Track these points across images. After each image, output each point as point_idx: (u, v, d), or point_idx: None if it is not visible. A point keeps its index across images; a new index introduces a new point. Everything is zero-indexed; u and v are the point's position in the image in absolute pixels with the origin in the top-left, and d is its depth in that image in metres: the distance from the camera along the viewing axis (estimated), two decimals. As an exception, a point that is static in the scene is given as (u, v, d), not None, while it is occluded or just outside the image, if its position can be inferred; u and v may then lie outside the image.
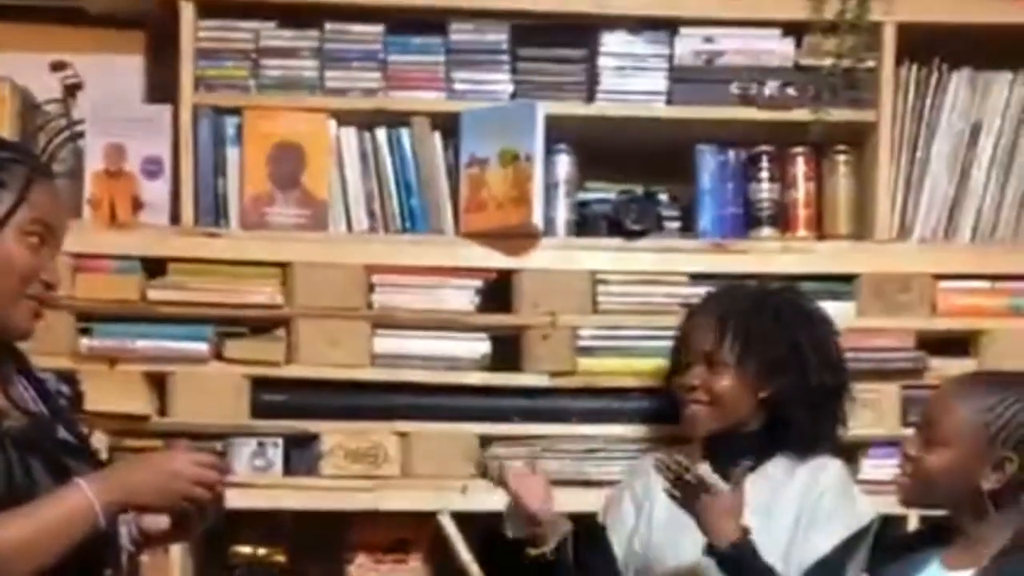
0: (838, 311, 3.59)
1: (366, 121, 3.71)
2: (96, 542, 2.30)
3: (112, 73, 3.80)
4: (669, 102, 3.79)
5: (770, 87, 3.78)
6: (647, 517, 3.34)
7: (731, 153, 3.80)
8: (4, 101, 3.60)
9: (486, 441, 3.59)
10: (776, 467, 3.34)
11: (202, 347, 3.51)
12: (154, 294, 3.52)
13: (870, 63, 3.77)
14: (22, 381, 2.46)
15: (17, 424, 2.32)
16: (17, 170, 2.36)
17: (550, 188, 3.70)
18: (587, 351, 3.63)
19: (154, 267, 3.56)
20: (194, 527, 2.45)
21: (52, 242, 2.40)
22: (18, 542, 2.19)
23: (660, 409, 3.57)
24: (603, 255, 3.68)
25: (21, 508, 2.21)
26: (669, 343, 3.53)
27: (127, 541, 2.47)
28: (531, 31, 3.79)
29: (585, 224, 3.75)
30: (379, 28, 3.74)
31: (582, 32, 3.79)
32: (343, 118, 3.71)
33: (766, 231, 3.77)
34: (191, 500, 2.32)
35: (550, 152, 3.70)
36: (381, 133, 3.71)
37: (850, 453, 3.56)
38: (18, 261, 2.33)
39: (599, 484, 3.55)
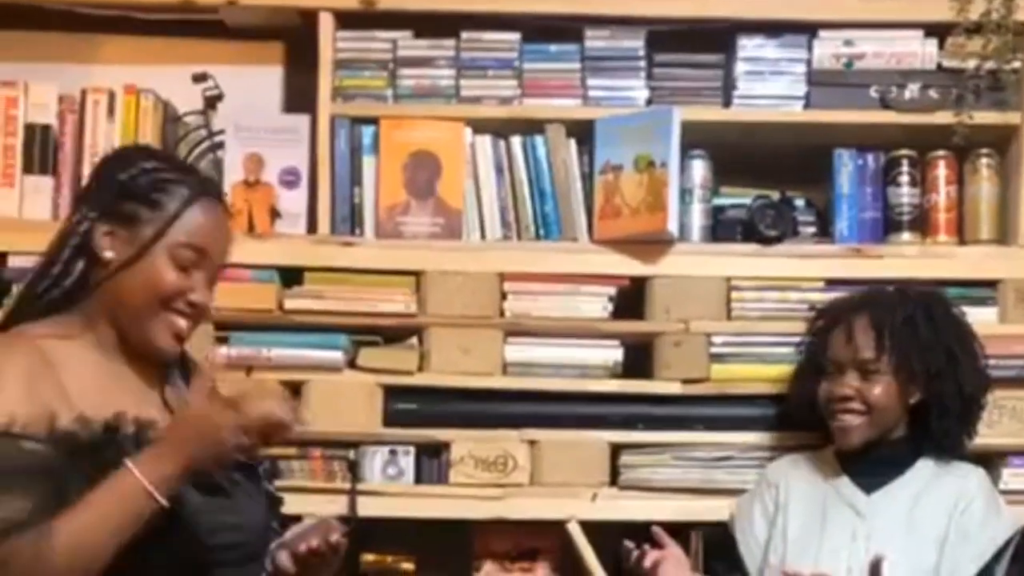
0: (980, 317, 3.64)
1: (501, 129, 3.82)
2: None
3: (252, 84, 3.96)
4: (807, 106, 3.85)
5: (911, 90, 3.81)
6: (781, 529, 3.39)
7: (870, 157, 3.84)
8: (147, 113, 3.77)
9: (617, 448, 3.66)
10: (919, 474, 3.38)
11: (337, 356, 3.63)
12: (290, 303, 3.65)
13: (1015, 64, 3.79)
14: (187, 391, 2.57)
15: (160, 433, 2.37)
16: (177, 191, 2.46)
17: (685, 194, 3.78)
18: (720, 357, 3.69)
19: (291, 276, 3.70)
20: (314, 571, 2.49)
21: (205, 265, 2.47)
22: (70, 540, 2.22)
23: (793, 416, 3.60)
24: (738, 261, 3.74)
25: (74, 508, 2.24)
26: (800, 346, 3.59)
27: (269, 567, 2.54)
28: (667, 37, 3.87)
29: (720, 229, 3.81)
30: (515, 36, 3.86)
31: (719, 37, 3.87)
32: (478, 126, 3.82)
33: (906, 236, 3.81)
34: (243, 448, 2.31)
35: (685, 157, 3.77)
36: (516, 141, 3.81)
37: (990, 462, 3.58)
38: (162, 280, 2.43)
39: (731, 492, 3.60)
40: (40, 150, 3.74)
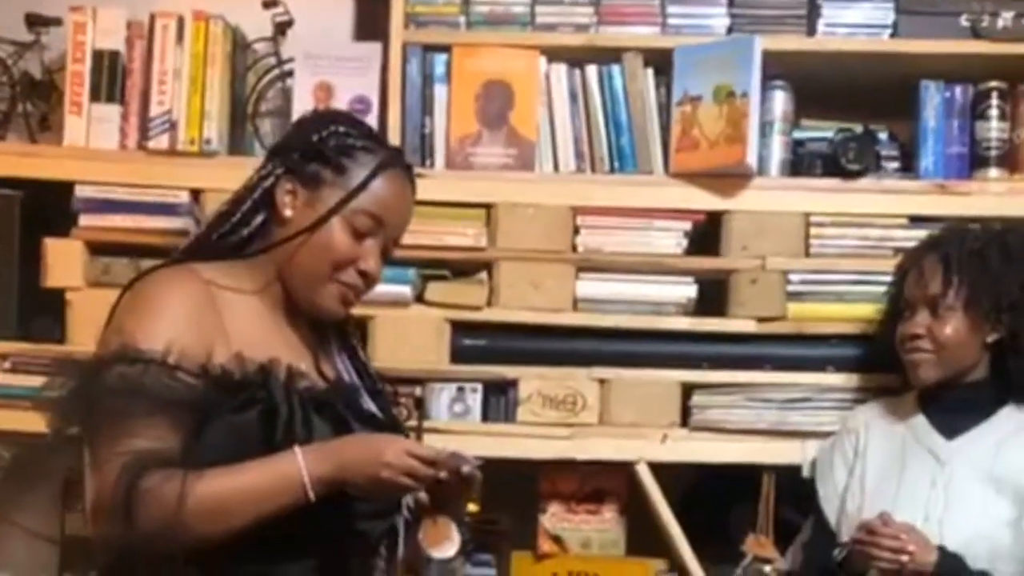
0: (1068, 256, 3.54)
1: (577, 58, 3.76)
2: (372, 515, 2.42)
3: (322, 11, 3.94)
4: (894, 35, 3.76)
5: (1004, 19, 3.72)
6: (859, 477, 3.35)
7: (958, 89, 3.75)
8: (216, 40, 3.76)
9: (688, 388, 3.63)
10: (1003, 421, 3.30)
11: (404, 290, 3.61)
12: (356, 236, 3.64)
13: (1113, -8, 3.68)
14: (343, 358, 2.60)
15: (310, 384, 2.42)
16: (365, 159, 2.48)
17: (765, 126, 3.71)
18: (797, 296, 3.64)
19: (359, 208, 3.68)
20: (448, 503, 2.49)
21: (381, 234, 2.50)
22: (212, 499, 2.25)
23: (873, 357, 3.55)
24: (818, 196, 3.68)
25: (234, 466, 2.28)
26: (885, 288, 3.54)
27: (405, 512, 2.52)
28: (750, -38, 3.81)
29: (800, 163, 3.75)
30: (593, -39, 3.81)
31: (803, -38, 3.79)
32: (553, 55, 3.77)
33: (993, 172, 3.72)
34: (399, 489, 2.34)
35: (766, 88, 3.70)
36: (592, 70, 3.76)
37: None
38: (336, 247, 2.45)
39: (807, 435, 3.56)
40: (108, 77, 3.75)
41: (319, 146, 2.47)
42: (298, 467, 2.28)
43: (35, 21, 3.83)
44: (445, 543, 2.48)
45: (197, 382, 2.30)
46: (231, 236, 2.49)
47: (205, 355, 2.32)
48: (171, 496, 2.22)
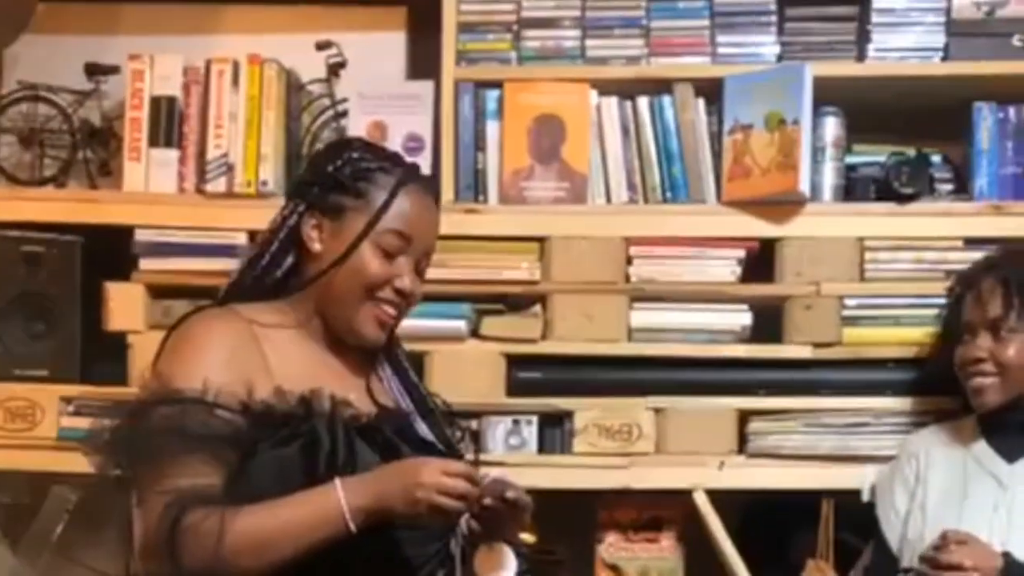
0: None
1: (627, 90, 3.80)
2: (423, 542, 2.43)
3: (375, 51, 3.99)
4: (945, 58, 3.76)
5: (1055, 39, 3.73)
6: (920, 503, 3.34)
7: (1011, 110, 3.75)
8: (271, 83, 3.82)
9: (745, 415, 3.63)
10: None
11: (460, 325, 3.65)
12: (413, 271, 3.68)
13: None
14: (395, 382, 2.64)
15: (356, 413, 2.44)
16: (383, 180, 2.52)
17: (817, 152, 3.72)
18: (853, 320, 3.64)
19: (414, 245, 3.73)
20: (500, 530, 2.49)
21: (411, 251, 2.53)
22: (251, 535, 2.28)
23: (930, 381, 3.54)
24: (871, 220, 3.68)
25: (273, 501, 2.31)
26: (940, 311, 3.54)
27: (458, 539, 2.52)
28: (798, -11, 3.83)
29: (853, 188, 3.75)
30: (643, -7, 3.85)
31: (852, -12, 3.81)
32: (604, 88, 3.80)
33: (1047, 191, 3.71)
34: (437, 510, 2.33)
35: (817, 114, 3.71)
36: (643, 101, 3.79)
37: None
38: (368, 269, 2.49)
39: (866, 460, 3.56)
40: (166, 123, 3.82)
41: (336, 176, 2.51)
42: (338, 499, 2.30)
43: (94, 70, 3.92)
44: (500, 571, 2.49)
45: (238, 418, 2.34)
46: (264, 279, 2.54)
47: (246, 392, 2.35)
48: (210, 533, 2.26)
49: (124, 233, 3.72)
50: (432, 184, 2.66)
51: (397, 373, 2.65)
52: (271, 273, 2.53)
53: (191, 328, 2.45)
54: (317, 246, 2.50)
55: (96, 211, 3.78)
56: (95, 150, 3.93)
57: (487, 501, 2.37)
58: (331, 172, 2.52)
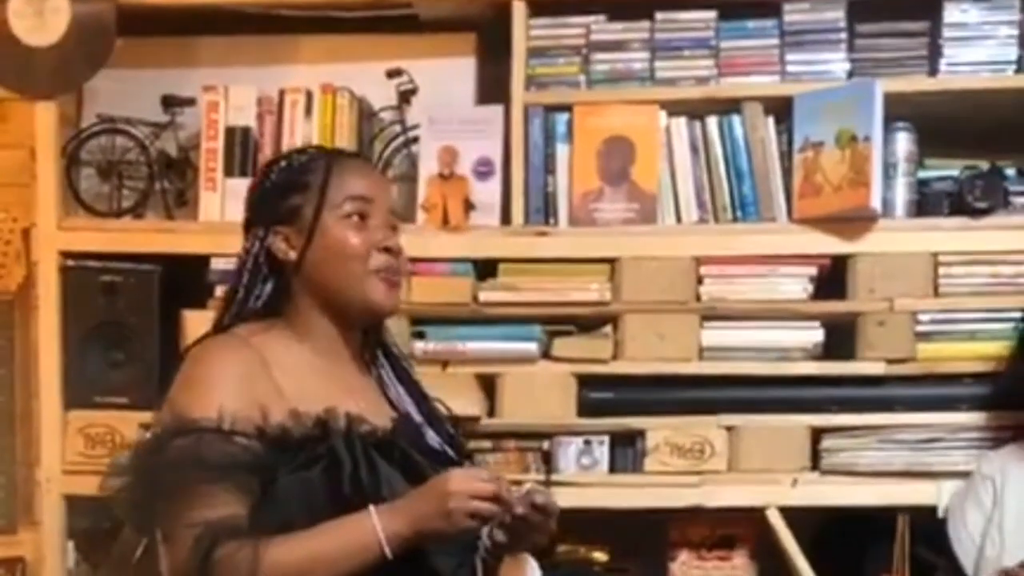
0: None
1: (697, 110, 3.81)
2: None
3: (445, 77, 4.01)
4: (1019, 70, 3.73)
5: None
6: (998, 524, 3.32)
7: (1088, 122, 3.73)
8: (343, 111, 3.88)
9: (817, 432, 3.62)
10: None
11: (531, 347, 3.68)
12: (485, 295, 3.71)
13: None
14: (400, 386, 2.62)
15: (371, 428, 2.43)
16: (315, 166, 2.52)
17: (889, 168, 3.71)
18: (927, 336, 3.63)
19: (485, 268, 3.76)
20: (528, 540, 2.48)
21: (376, 211, 2.52)
22: (286, 566, 2.27)
23: (1006, 395, 3.52)
24: (945, 235, 3.66)
25: (306, 531, 2.31)
26: (1016, 325, 3.53)
27: (483, 551, 2.51)
28: (869, 6, 3.80)
29: (926, 203, 3.73)
30: (711, 15, 3.84)
31: (924, 4, 3.77)
32: (673, 109, 3.81)
33: (1124, 202, 3.67)
34: (476, 516, 2.32)
35: (889, 130, 3.70)
36: (712, 121, 3.80)
37: None
38: (348, 242, 2.47)
39: (940, 475, 3.54)
40: (240, 152, 3.89)
41: (276, 185, 2.52)
42: (374, 527, 2.30)
43: (171, 102, 3.99)
44: None
45: (255, 444, 2.33)
46: (243, 312, 2.51)
47: (260, 417, 2.35)
48: (244, 566, 2.25)
49: (200, 262, 3.77)
50: (359, 155, 2.72)
51: (400, 380, 2.63)
52: (251, 307, 2.51)
53: (199, 358, 2.45)
54: (292, 254, 2.49)
55: (173, 241, 3.85)
56: (172, 181, 3.99)
57: (519, 510, 2.36)
58: (271, 186, 2.53)
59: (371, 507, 2.32)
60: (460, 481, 2.32)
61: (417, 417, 2.56)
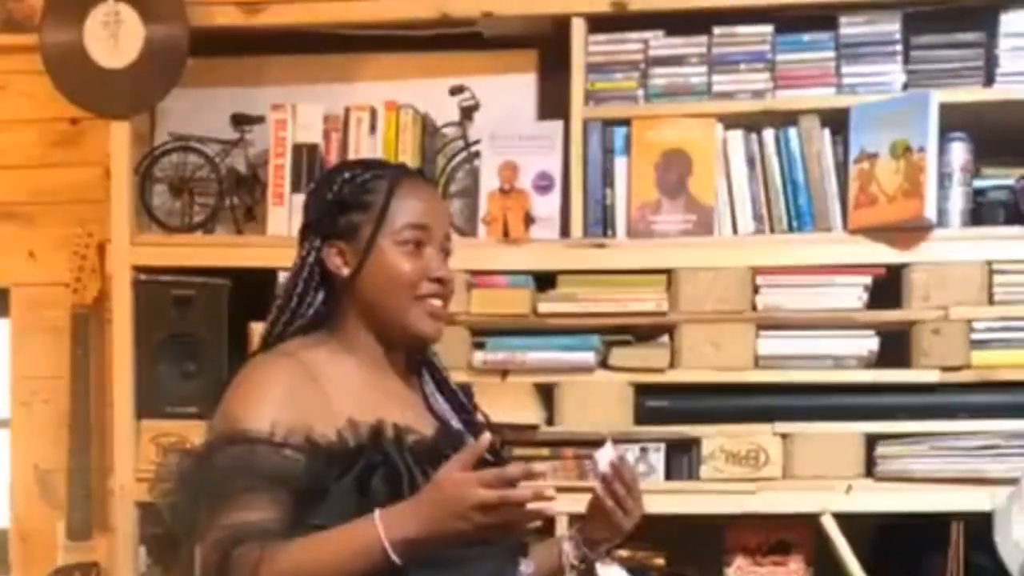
0: None
1: (753, 123, 3.84)
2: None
3: (506, 93, 4.07)
4: (1076, 79, 3.74)
5: None
6: None
7: None
8: (407, 127, 3.94)
9: (872, 439, 3.63)
10: None
11: (589, 357, 3.72)
12: (544, 307, 3.76)
13: None
14: (441, 395, 2.64)
15: (419, 438, 2.45)
16: (379, 185, 2.53)
17: (944, 178, 3.72)
18: (982, 344, 3.63)
19: (544, 280, 3.80)
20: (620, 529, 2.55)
21: (432, 239, 2.53)
22: (290, 570, 2.27)
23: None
24: (1000, 244, 3.68)
25: (312, 537, 2.31)
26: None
27: (572, 558, 2.57)
28: (925, 17, 3.82)
29: (981, 212, 3.74)
30: (768, 28, 3.87)
31: (979, 14, 3.79)
32: (730, 122, 3.85)
33: None
34: (485, 508, 2.27)
35: (945, 140, 3.72)
36: (768, 134, 3.83)
37: None
38: (401, 269, 2.49)
39: (996, 482, 3.54)
40: (308, 169, 3.95)
41: (338, 199, 2.53)
42: (377, 533, 2.27)
43: (240, 120, 4.07)
44: None
45: (304, 457, 2.35)
46: (296, 321, 2.54)
47: (311, 429, 2.37)
48: (248, 567, 2.27)
49: (268, 275, 3.81)
50: (425, 174, 2.71)
51: (437, 383, 2.64)
52: (302, 314, 2.54)
53: (250, 374, 2.48)
54: (345, 270, 2.51)
55: (242, 255, 3.93)
56: (241, 197, 4.07)
57: (595, 481, 2.46)
58: (333, 199, 2.54)
59: (376, 511, 2.29)
60: (457, 464, 2.27)
61: (457, 425, 2.58)
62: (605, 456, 2.48)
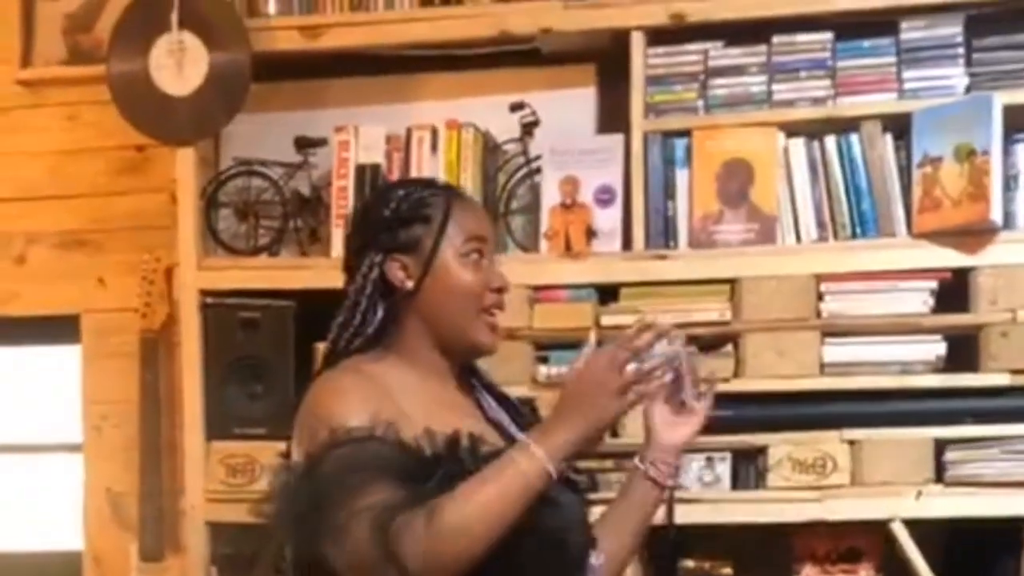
0: None
1: (815, 130, 3.81)
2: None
3: (566, 108, 4.06)
4: None
5: None
6: None
7: None
8: (468, 145, 3.95)
9: (941, 444, 3.58)
10: None
11: (653, 368, 3.68)
12: (607, 319, 3.73)
13: None
14: (494, 402, 2.64)
15: (491, 448, 2.45)
16: (437, 201, 2.55)
17: (1010, 180, 3.68)
18: (1052, 347, 3.58)
19: (607, 293, 3.79)
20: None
21: (487, 250, 2.57)
22: (463, 514, 2.27)
23: None
24: (1067, 245, 3.62)
25: (467, 483, 2.30)
26: None
27: (667, 478, 2.70)
28: (986, 20, 3.78)
29: (1050, 214, 3.70)
30: (827, 36, 3.84)
31: (1041, 14, 3.76)
32: (791, 130, 3.82)
33: None
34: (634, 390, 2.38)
35: (1009, 142, 3.67)
36: (830, 141, 3.80)
37: None
38: (467, 282, 2.52)
39: (1068, 486, 3.49)
40: (371, 189, 3.93)
41: (397, 214, 2.54)
42: (532, 453, 2.30)
43: (303, 143, 4.09)
44: None
45: (403, 455, 2.35)
46: (356, 339, 2.55)
47: (399, 433, 2.37)
48: (419, 526, 2.27)
49: (334, 296, 3.82)
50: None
51: (487, 388, 2.65)
52: (364, 330, 2.55)
53: (326, 386, 2.48)
54: (409, 283, 2.52)
55: (307, 277, 3.92)
56: (305, 219, 4.08)
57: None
58: (391, 215, 2.55)
59: (527, 439, 2.33)
60: (602, 366, 2.35)
61: (517, 433, 2.56)
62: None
